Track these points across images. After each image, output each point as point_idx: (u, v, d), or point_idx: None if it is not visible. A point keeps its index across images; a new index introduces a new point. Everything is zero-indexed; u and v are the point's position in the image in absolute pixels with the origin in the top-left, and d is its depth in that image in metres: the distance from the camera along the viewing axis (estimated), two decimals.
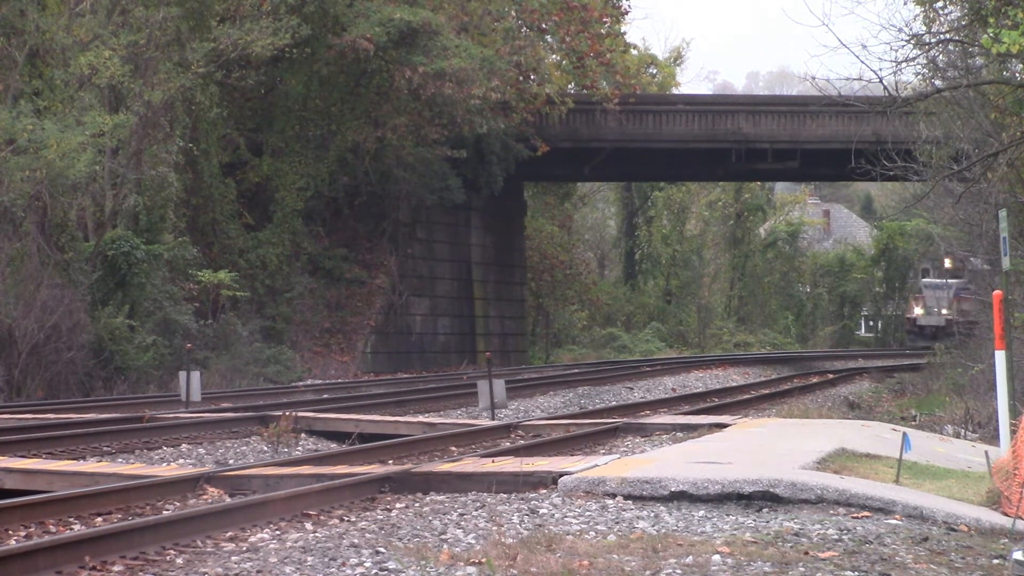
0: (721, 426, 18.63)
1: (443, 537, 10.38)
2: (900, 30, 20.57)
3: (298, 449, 19.11)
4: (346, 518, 11.47)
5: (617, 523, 10.82)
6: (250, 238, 40.47)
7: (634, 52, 61.30)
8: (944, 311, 58.96)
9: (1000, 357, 14.48)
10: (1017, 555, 8.98)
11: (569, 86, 50.61)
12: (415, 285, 46.88)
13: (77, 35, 32.71)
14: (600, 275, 74.48)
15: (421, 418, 22.61)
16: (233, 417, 21.03)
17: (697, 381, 38.31)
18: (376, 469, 13.79)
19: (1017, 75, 22.96)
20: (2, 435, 17.69)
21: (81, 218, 32.36)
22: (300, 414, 20.80)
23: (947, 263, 59.73)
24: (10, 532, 11.01)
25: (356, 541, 10.17)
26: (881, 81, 19.73)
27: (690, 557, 9.31)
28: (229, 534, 10.59)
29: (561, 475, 12.45)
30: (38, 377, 28.63)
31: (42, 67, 32.75)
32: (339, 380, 37.10)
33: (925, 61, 23.08)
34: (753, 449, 14.78)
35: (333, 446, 19.09)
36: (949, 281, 58.83)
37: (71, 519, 11.64)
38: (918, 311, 60.67)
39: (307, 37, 39.37)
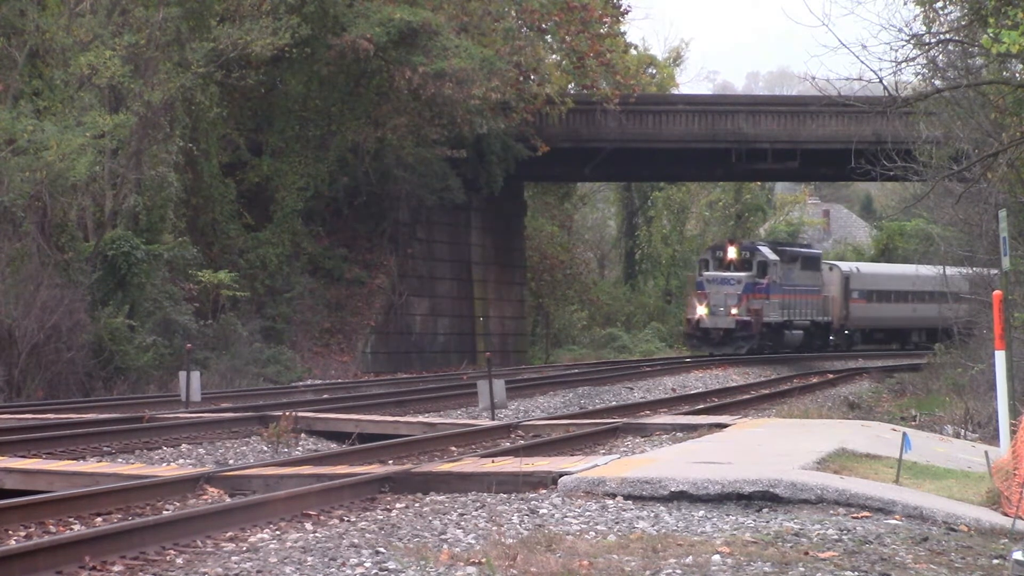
0: (721, 426, 18.63)
1: (443, 537, 10.38)
2: (900, 30, 20.56)
3: (298, 449, 19.11)
4: (346, 518, 11.47)
5: (617, 523, 10.82)
6: (250, 238, 40.47)
7: (633, 52, 61.28)
8: (733, 311, 50.46)
9: (1000, 357, 14.48)
10: (1017, 555, 8.98)
11: (569, 86, 50.58)
12: (415, 285, 46.87)
13: (77, 35, 32.71)
14: (600, 275, 74.48)
15: (421, 418, 22.62)
16: (233, 417, 21.03)
17: (697, 381, 38.32)
18: (376, 469, 13.79)
19: (1017, 75, 22.95)
20: (2, 435, 17.69)
21: (81, 218, 32.36)
22: (300, 414, 20.80)
23: (731, 252, 52.27)
24: (10, 532, 11.01)
25: (356, 541, 10.17)
26: (881, 81, 19.73)
27: (690, 557, 9.31)
28: (229, 534, 10.59)
29: (561, 475, 12.45)
30: (38, 377, 28.63)
31: (42, 67, 32.75)
32: (339, 380, 37.09)
33: (925, 61, 23.08)
34: (753, 449, 14.79)
35: (333, 446, 19.09)
36: (737, 275, 51.15)
37: (71, 519, 11.64)
38: (701, 311, 50.96)
39: (307, 37, 39.37)
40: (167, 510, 12.17)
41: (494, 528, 10.47)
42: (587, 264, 69.79)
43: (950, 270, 56.97)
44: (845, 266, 61.63)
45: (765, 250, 52.91)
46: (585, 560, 9.18)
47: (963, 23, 21.85)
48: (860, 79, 21.12)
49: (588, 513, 11.24)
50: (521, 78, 46.59)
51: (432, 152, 43.69)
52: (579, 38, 47.78)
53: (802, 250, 58.37)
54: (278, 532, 10.80)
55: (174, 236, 34.86)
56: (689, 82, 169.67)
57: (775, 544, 9.81)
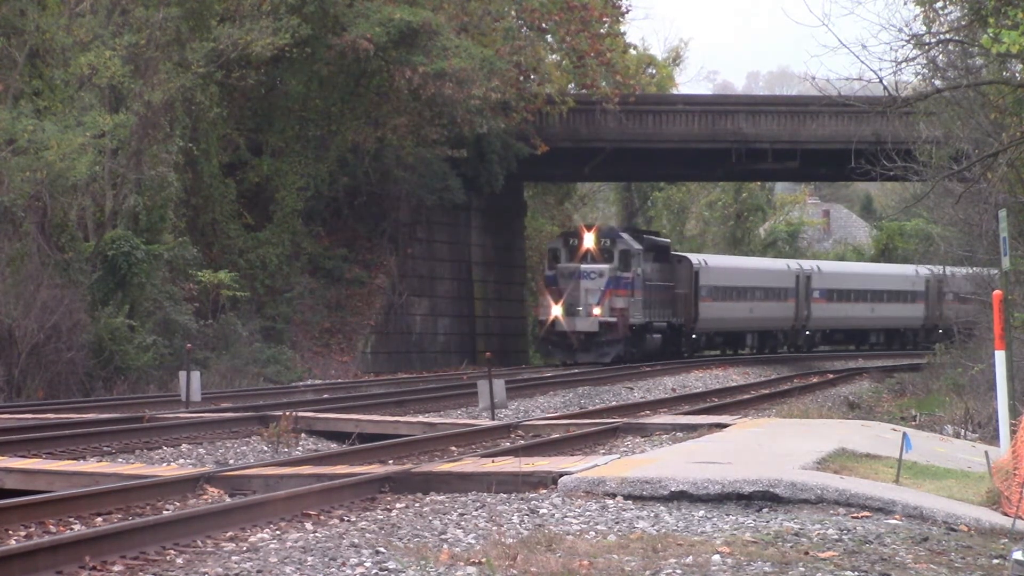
0: (721, 426, 18.63)
1: (443, 537, 10.39)
2: (900, 30, 20.58)
3: (298, 449, 19.12)
4: (346, 518, 11.47)
5: (617, 523, 10.83)
6: (250, 238, 40.47)
7: (633, 52, 61.29)
8: (595, 310, 43.20)
9: (1000, 357, 14.48)
10: (1017, 555, 8.98)
11: (569, 86, 50.59)
12: (415, 285, 46.86)
13: (77, 35, 32.70)
14: None
15: (421, 418, 22.62)
16: (233, 417, 21.04)
17: (697, 381, 38.32)
18: (376, 469, 13.80)
19: (1017, 75, 22.96)
20: (2, 435, 17.69)
21: (81, 218, 32.35)
22: (300, 414, 20.80)
23: (588, 240, 44.29)
24: (10, 532, 11.01)
25: (356, 541, 10.18)
26: (881, 81, 19.74)
27: (690, 557, 9.31)
28: (229, 534, 10.59)
29: (561, 475, 12.45)
30: (38, 377, 28.62)
31: (42, 67, 32.74)
32: (339, 380, 37.09)
33: (925, 61, 23.09)
34: (753, 449, 14.79)
35: (333, 446, 19.10)
36: (598, 267, 43.68)
37: (71, 519, 11.64)
38: (556, 311, 43.41)
39: (307, 37, 39.37)
40: (167, 510, 12.17)
41: (494, 528, 10.47)
42: None
43: (779, 263, 55.20)
44: (695, 259, 52.88)
45: (628, 237, 45.59)
46: (585, 560, 9.18)
47: (963, 23, 21.85)
48: (860, 79, 21.15)
49: (588, 513, 11.24)
50: (521, 78, 46.60)
51: (432, 152, 43.70)
52: (579, 37, 47.78)
53: (656, 238, 50.73)
54: (278, 532, 10.80)
55: (174, 236, 34.86)
56: (689, 82, 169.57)
57: (775, 544, 9.81)
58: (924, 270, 61.27)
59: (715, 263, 53.88)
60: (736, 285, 53.05)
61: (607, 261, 43.72)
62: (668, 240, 54.89)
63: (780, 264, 59.25)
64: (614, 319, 42.98)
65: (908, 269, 64.76)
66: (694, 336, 50.68)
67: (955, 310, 46.16)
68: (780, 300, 55.05)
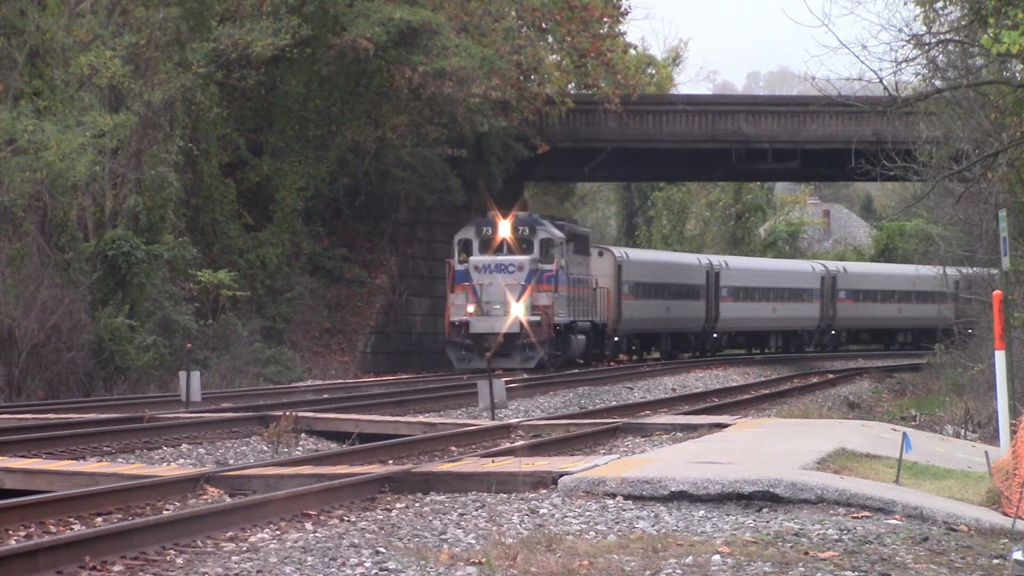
0: (721, 426, 18.64)
1: (443, 537, 10.39)
2: (900, 30, 20.61)
3: (298, 449, 19.12)
4: (346, 518, 11.47)
5: (617, 523, 10.83)
6: (250, 238, 40.47)
7: (632, 52, 61.31)
8: (515, 310, 37.36)
9: (1000, 357, 14.49)
10: (1017, 555, 8.98)
11: (569, 86, 50.61)
12: (415, 285, 46.85)
13: (77, 35, 32.69)
14: None
15: (421, 418, 22.62)
16: (233, 417, 21.03)
17: (697, 381, 38.33)
18: (376, 469, 13.79)
19: (1017, 75, 22.96)
20: (2, 435, 17.69)
21: (81, 218, 32.36)
22: (300, 414, 20.79)
23: (504, 228, 38.55)
24: (10, 532, 11.01)
25: (356, 541, 10.18)
26: (881, 81, 19.75)
27: (690, 557, 9.31)
28: (229, 534, 10.60)
29: (561, 475, 12.45)
30: (38, 377, 28.63)
31: (42, 67, 32.74)
32: (339, 380, 37.07)
33: (925, 61, 23.10)
34: (753, 449, 14.79)
35: (333, 446, 19.10)
36: (518, 259, 38.01)
37: (71, 519, 11.64)
38: (469, 309, 37.88)
39: (307, 37, 39.39)
40: (167, 510, 12.17)
41: (494, 528, 10.46)
42: None
43: (695, 256, 51.73)
44: (617, 251, 48.49)
45: (550, 226, 39.95)
46: (585, 560, 9.19)
47: (963, 23, 21.86)
48: (860, 79, 21.18)
49: (588, 513, 11.24)
50: (521, 77, 46.60)
51: (432, 152, 43.71)
52: (579, 37, 47.79)
53: (576, 227, 44.22)
54: (278, 532, 10.80)
55: (174, 236, 34.87)
56: (688, 82, 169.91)
57: (775, 544, 9.81)
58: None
59: (637, 257, 50.33)
60: (657, 281, 49.47)
61: (526, 252, 38.31)
62: (588, 230, 48.88)
63: (692, 259, 55.60)
64: (537, 318, 37.46)
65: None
66: (615, 339, 45.84)
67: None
68: (693, 299, 51.99)
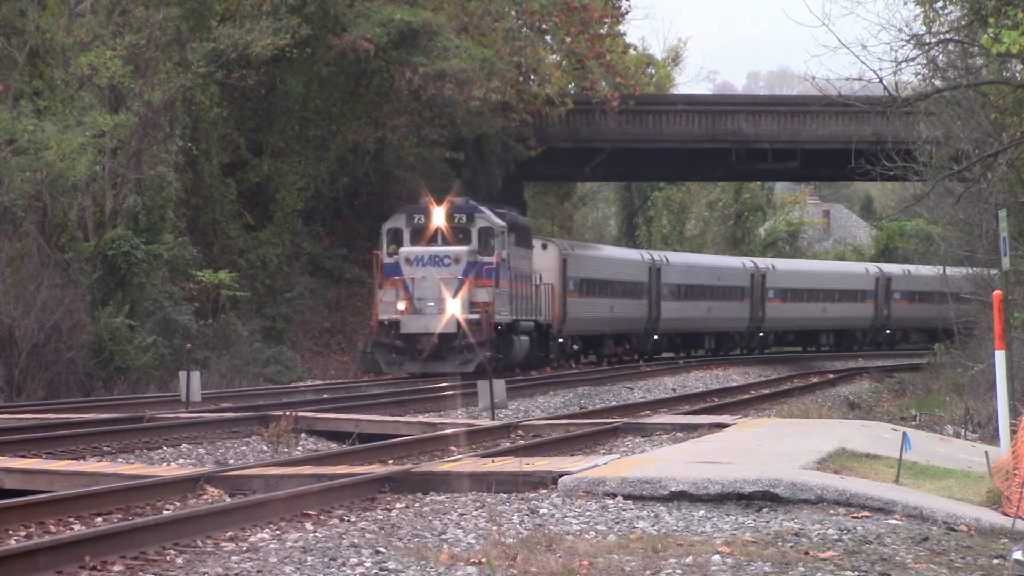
0: (721, 426, 18.64)
1: (443, 537, 10.39)
2: (900, 30, 20.64)
3: (298, 449, 19.11)
4: (346, 518, 11.47)
5: (617, 523, 10.83)
6: (250, 238, 40.48)
7: (632, 52, 61.33)
8: (452, 308, 33.41)
9: (1000, 357, 14.48)
10: (1017, 555, 8.98)
11: (569, 86, 50.62)
12: None
13: (77, 35, 32.71)
14: None
15: (421, 418, 22.61)
16: (233, 417, 21.03)
17: (697, 381, 38.33)
18: (376, 469, 13.79)
19: (1017, 75, 22.98)
20: (2, 435, 17.68)
21: (81, 218, 32.37)
22: (300, 414, 20.79)
23: (438, 216, 34.61)
24: (10, 532, 11.01)
25: (356, 541, 10.18)
26: (881, 81, 19.77)
27: (690, 557, 9.31)
28: (229, 534, 10.59)
29: (561, 475, 12.45)
30: (38, 377, 28.63)
31: (42, 67, 32.75)
32: (339, 380, 37.06)
33: (925, 61, 23.12)
34: (753, 449, 14.79)
35: (333, 446, 19.09)
36: (454, 250, 34.25)
37: (71, 519, 11.64)
38: (400, 307, 33.79)
39: (307, 37, 39.41)
40: (167, 510, 12.17)
41: (494, 528, 10.46)
42: None
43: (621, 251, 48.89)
44: (561, 244, 44.84)
45: (489, 213, 35.85)
46: (585, 560, 9.18)
47: (963, 23, 21.88)
48: (860, 79, 21.18)
49: (588, 513, 11.24)
50: (521, 78, 46.62)
51: (432, 152, 43.72)
52: (579, 38, 47.81)
53: (518, 217, 39.95)
54: (278, 532, 10.80)
55: (174, 236, 34.88)
56: (688, 82, 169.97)
57: (775, 544, 9.81)
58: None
59: (583, 252, 46.31)
60: (602, 278, 45.77)
61: (464, 242, 34.39)
62: (529, 221, 44.00)
63: (635, 254, 52.60)
64: (476, 316, 33.54)
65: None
66: (560, 340, 42.19)
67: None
68: (636, 297, 48.74)
